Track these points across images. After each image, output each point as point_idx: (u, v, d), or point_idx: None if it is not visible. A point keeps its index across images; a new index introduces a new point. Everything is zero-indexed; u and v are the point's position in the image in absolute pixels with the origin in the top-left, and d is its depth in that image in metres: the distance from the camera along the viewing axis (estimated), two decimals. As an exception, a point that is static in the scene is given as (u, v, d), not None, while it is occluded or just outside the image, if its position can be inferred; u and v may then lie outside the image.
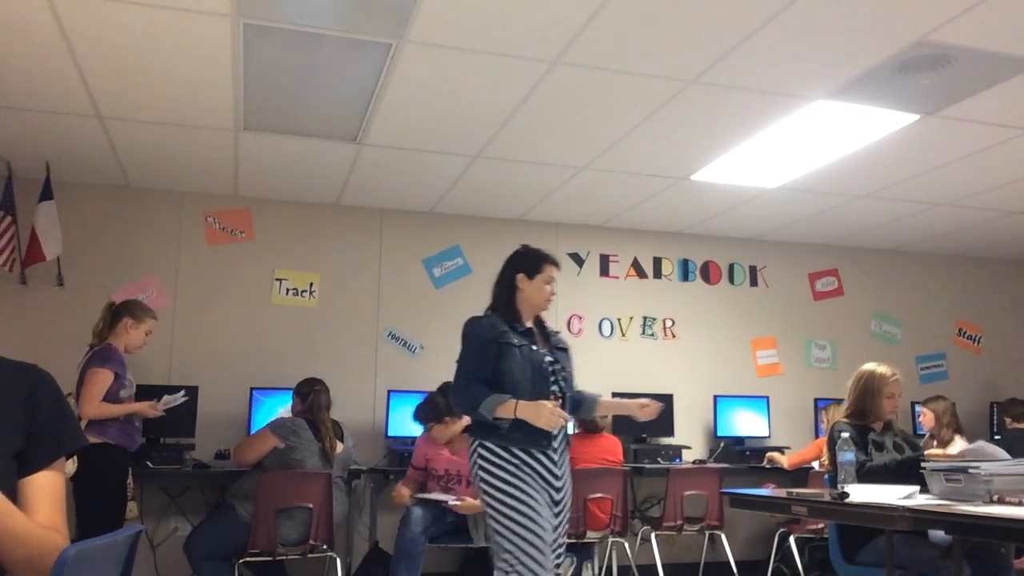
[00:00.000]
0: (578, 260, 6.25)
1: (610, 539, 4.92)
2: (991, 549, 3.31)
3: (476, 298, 5.98)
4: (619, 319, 6.25)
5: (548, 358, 3.11)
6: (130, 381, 4.16)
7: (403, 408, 5.43)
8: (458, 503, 4.33)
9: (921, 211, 5.81)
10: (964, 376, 6.95)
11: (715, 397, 6.10)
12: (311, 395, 4.54)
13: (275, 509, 4.14)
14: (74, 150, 4.69)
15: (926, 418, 5.36)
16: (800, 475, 5.44)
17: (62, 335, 4.88)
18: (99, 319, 4.26)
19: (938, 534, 3.22)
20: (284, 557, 4.27)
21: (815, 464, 5.45)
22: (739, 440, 6.01)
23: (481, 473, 2.97)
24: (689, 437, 6.01)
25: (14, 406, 1.33)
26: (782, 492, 3.10)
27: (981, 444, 4.07)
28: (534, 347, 3.11)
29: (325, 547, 4.28)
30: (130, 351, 4.25)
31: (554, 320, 6.12)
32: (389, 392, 5.50)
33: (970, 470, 2.71)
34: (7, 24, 3.25)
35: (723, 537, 5.20)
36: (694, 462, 5.74)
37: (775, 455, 5.67)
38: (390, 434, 5.42)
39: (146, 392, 4.36)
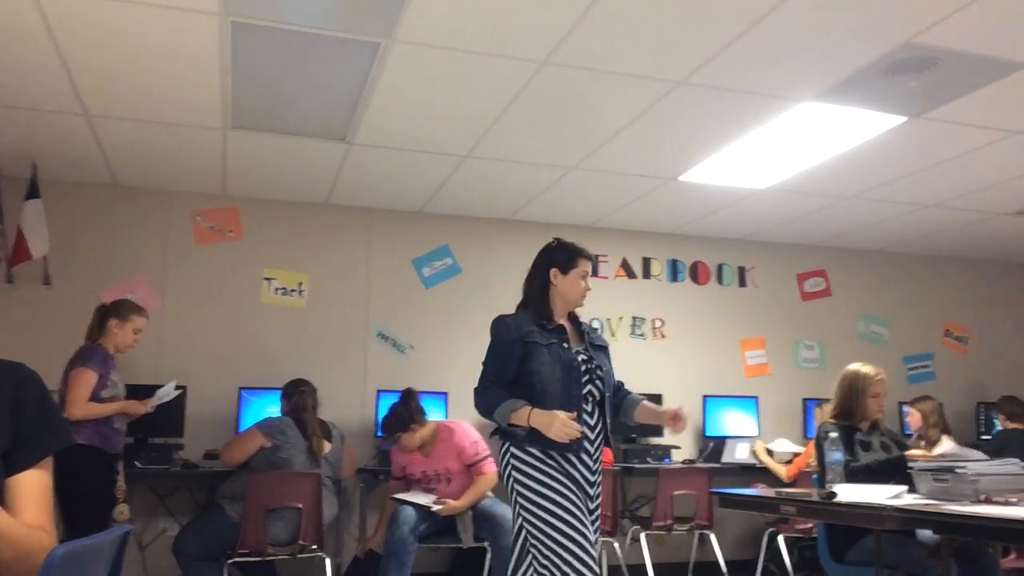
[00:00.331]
0: (568, 260, 6.24)
1: (600, 539, 4.92)
2: (979, 548, 3.34)
3: (466, 298, 6.03)
4: (608, 319, 6.26)
5: (581, 356, 2.99)
6: (113, 382, 4.09)
7: (392, 408, 5.42)
8: (440, 506, 4.33)
9: (908, 212, 5.84)
10: (951, 376, 6.99)
11: (704, 397, 6.12)
12: (296, 396, 4.55)
13: (264, 509, 4.13)
14: (61, 148, 4.66)
15: (913, 418, 5.39)
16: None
17: (48, 334, 4.85)
18: (91, 321, 4.25)
19: (926, 533, 3.24)
20: (273, 557, 4.25)
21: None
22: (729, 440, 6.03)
23: (515, 474, 2.86)
24: (678, 437, 6.03)
25: (0, 405, 1.33)
26: (771, 492, 3.12)
27: (963, 450, 4.09)
28: (565, 345, 2.98)
29: (315, 547, 4.27)
30: (121, 351, 4.23)
31: (544, 320, 6.11)
32: (379, 392, 5.49)
33: (957, 470, 2.73)
34: (-7, 21, 3.23)
35: (712, 537, 5.21)
36: (683, 462, 5.76)
37: (769, 461, 5.60)
38: (380, 434, 5.40)
39: (135, 393, 4.33)
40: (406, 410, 4.53)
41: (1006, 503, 2.50)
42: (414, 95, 3.90)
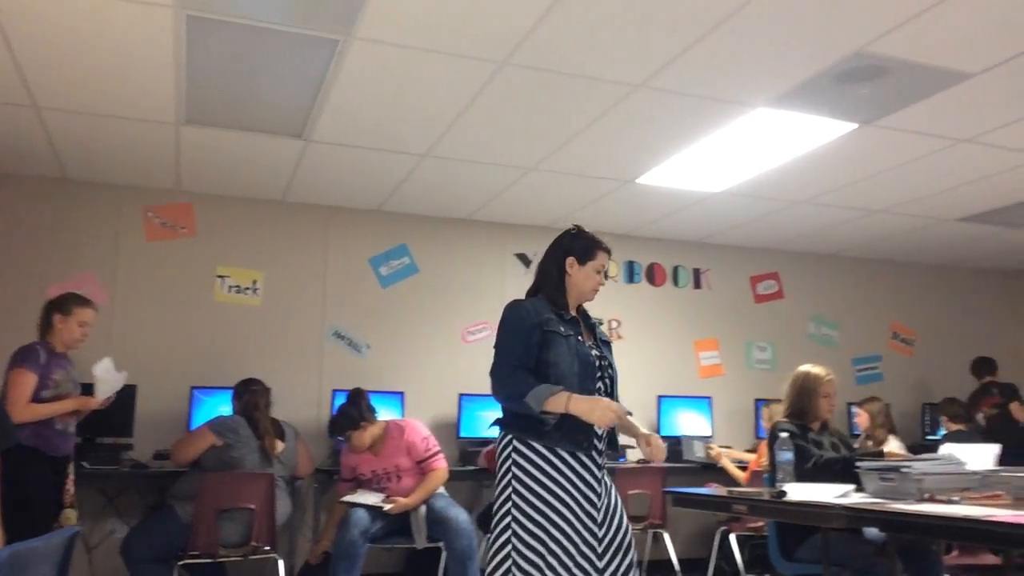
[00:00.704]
0: (525, 261, 6.27)
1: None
2: (923, 546, 3.42)
3: (423, 298, 6.01)
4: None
5: (595, 352, 2.85)
6: (55, 381, 3.87)
7: (348, 408, 5.38)
8: (391, 505, 4.31)
9: (858, 217, 5.97)
10: (898, 378, 7.16)
11: (659, 397, 6.19)
12: (247, 395, 4.50)
13: (216, 510, 4.07)
14: (8, 140, 4.54)
15: (861, 418, 5.51)
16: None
17: (-8, 332, 4.72)
18: (39, 319, 4.08)
19: (872, 531, 3.31)
20: (225, 559, 4.19)
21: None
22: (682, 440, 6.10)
23: (515, 470, 2.66)
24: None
25: None
26: (723, 491, 3.16)
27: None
28: (580, 338, 2.83)
29: (267, 549, 4.22)
30: (70, 346, 4.03)
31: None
32: (334, 392, 5.45)
33: (903, 469, 2.80)
34: (-63, 9, 3.14)
35: (666, 535, 5.27)
36: (638, 461, 5.81)
37: (728, 464, 5.66)
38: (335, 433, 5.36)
39: (86, 393, 4.21)
40: (356, 409, 4.51)
41: (949, 502, 2.57)
42: (373, 93, 3.88)
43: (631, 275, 6.53)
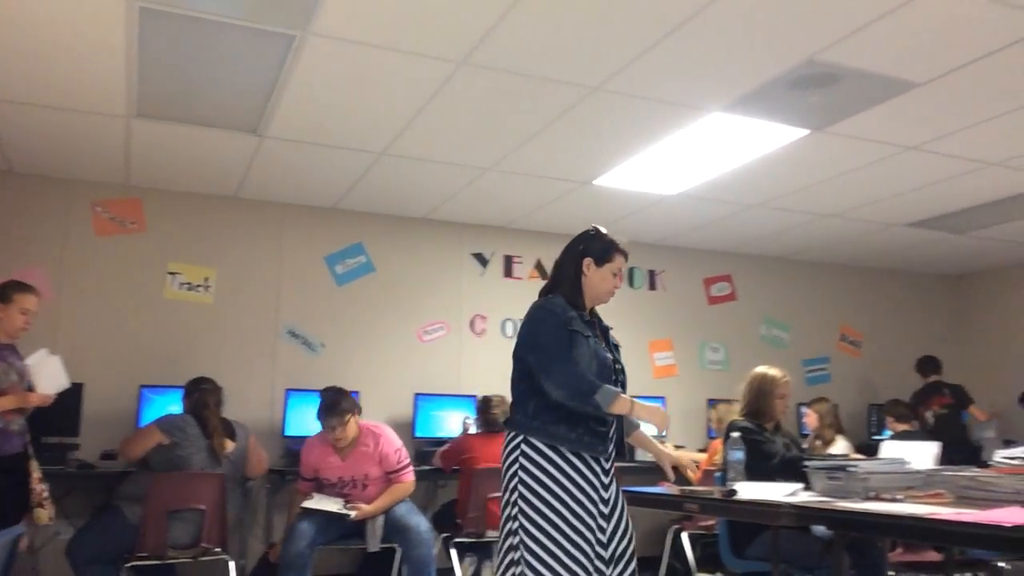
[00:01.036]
0: (482, 260, 6.27)
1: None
2: (869, 543, 3.50)
3: (379, 297, 5.97)
4: (521, 320, 6.29)
5: (610, 356, 2.82)
6: None
7: (302, 407, 5.33)
8: (355, 512, 4.26)
9: (809, 221, 6.09)
10: (845, 379, 7.32)
11: (613, 397, 6.22)
12: (196, 393, 4.42)
13: (165, 511, 4.00)
14: (-51, 131, 4.41)
15: (810, 419, 5.61)
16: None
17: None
18: None
19: (820, 529, 3.38)
20: (174, 560, 4.12)
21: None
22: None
23: (522, 475, 2.61)
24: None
25: None
26: (675, 490, 3.20)
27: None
28: (597, 339, 2.81)
29: (218, 550, 4.16)
30: (13, 336, 3.85)
31: (457, 320, 6.13)
32: (287, 391, 5.39)
33: (849, 468, 2.86)
34: None
35: (618, 534, 5.30)
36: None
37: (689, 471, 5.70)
38: (287, 433, 5.31)
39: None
40: (348, 399, 4.39)
41: (893, 500, 2.64)
42: (329, 90, 3.85)
43: (587, 276, 6.57)
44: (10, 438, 3.75)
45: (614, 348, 2.91)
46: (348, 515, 4.24)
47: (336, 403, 4.34)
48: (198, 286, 5.47)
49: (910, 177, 5.03)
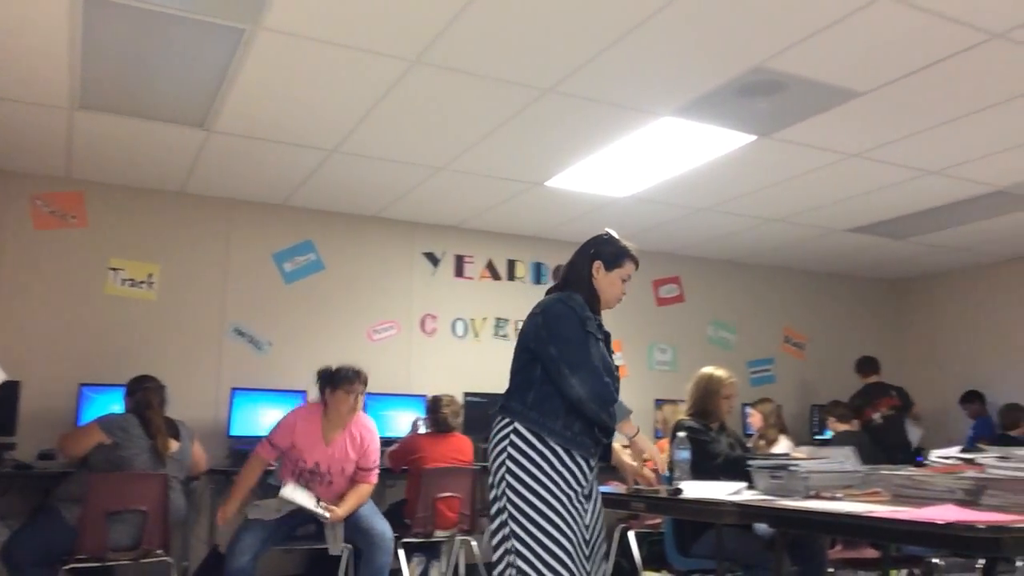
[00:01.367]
0: (433, 260, 6.26)
1: (458, 538, 4.95)
2: (809, 540, 3.59)
3: (328, 295, 5.91)
4: (472, 320, 6.31)
5: (613, 363, 2.79)
6: None
7: (248, 407, 5.26)
8: (328, 515, 4.08)
9: (755, 225, 6.20)
10: (789, 380, 7.48)
11: (563, 398, 6.26)
12: (139, 392, 4.31)
13: (105, 512, 3.90)
14: None
15: (755, 419, 5.72)
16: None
17: None
18: None
19: (763, 527, 3.45)
20: (114, 563, 4.03)
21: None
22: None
23: (509, 464, 2.55)
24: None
25: None
26: (623, 489, 3.23)
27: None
28: (604, 343, 2.79)
29: (160, 552, 4.08)
30: None
31: (407, 319, 6.10)
32: (233, 390, 5.31)
33: (791, 468, 2.93)
34: None
35: (566, 534, 5.34)
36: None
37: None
38: (233, 433, 5.23)
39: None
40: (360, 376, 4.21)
41: (833, 498, 2.70)
42: (280, 85, 3.80)
43: (538, 276, 6.61)
44: None
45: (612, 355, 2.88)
46: (325, 516, 4.07)
47: (341, 372, 4.15)
48: (141, 282, 5.35)
49: (852, 184, 5.16)
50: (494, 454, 2.62)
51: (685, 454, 3.40)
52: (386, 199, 5.64)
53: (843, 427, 5.82)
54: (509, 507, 2.53)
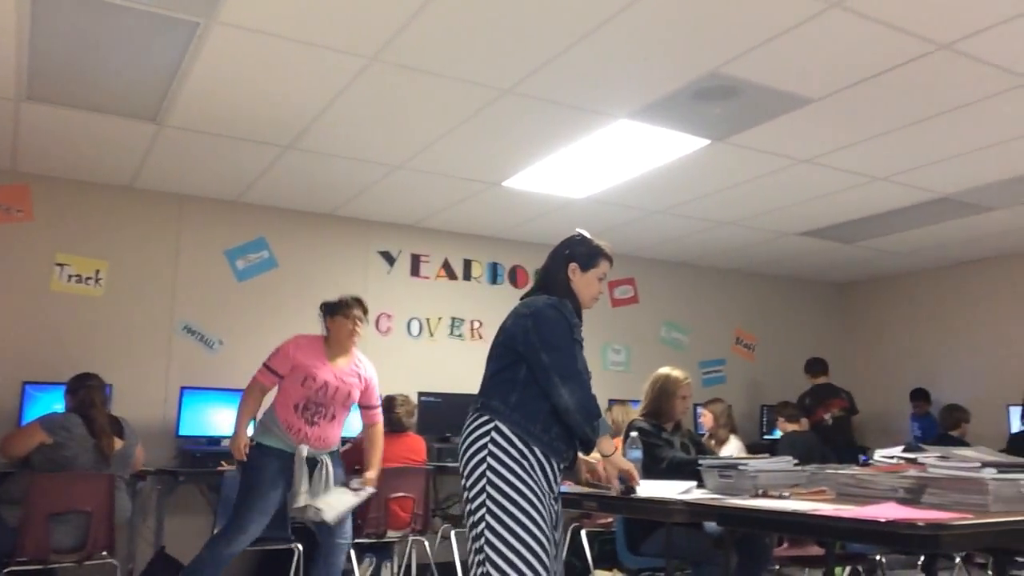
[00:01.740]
0: (389, 259, 6.22)
1: (410, 538, 4.94)
2: (756, 538, 3.65)
3: (281, 293, 5.84)
4: (428, 319, 6.29)
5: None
6: None
7: (197, 407, 5.18)
8: (372, 489, 3.99)
9: (708, 228, 6.29)
10: (739, 380, 7.60)
11: (517, 397, 6.27)
12: (82, 391, 4.21)
13: (47, 513, 3.81)
14: None
15: (706, 419, 5.80)
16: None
17: None
18: None
19: (711, 525, 3.50)
20: (57, 565, 3.94)
21: None
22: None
23: (491, 461, 2.52)
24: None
25: None
26: (574, 489, 3.25)
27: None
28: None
29: (105, 553, 3.99)
30: None
31: (362, 318, 6.05)
32: (183, 389, 5.21)
33: (740, 467, 2.98)
34: None
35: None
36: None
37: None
38: (182, 433, 5.14)
39: None
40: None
41: (780, 497, 2.75)
42: (234, 80, 3.75)
43: (495, 276, 6.61)
44: None
45: None
46: (371, 491, 4.04)
47: (361, 300, 4.08)
48: (88, 279, 5.24)
49: (803, 188, 5.26)
50: (471, 451, 2.58)
51: (637, 453, 3.43)
52: (342, 197, 5.59)
53: (792, 427, 5.93)
54: (489, 503, 2.51)
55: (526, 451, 2.55)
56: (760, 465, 2.98)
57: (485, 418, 2.61)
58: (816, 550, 3.98)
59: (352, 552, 4.63)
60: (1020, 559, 3.98)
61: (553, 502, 2.62)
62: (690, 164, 4.80)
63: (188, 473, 4.92)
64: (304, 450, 3.83)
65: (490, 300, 6.51)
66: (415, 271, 6.32)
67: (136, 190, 5.42)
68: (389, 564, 5.06)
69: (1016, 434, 5.51)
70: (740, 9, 3.09)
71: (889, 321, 7.96)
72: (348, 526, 4.12)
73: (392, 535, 4.77)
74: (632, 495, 2.90)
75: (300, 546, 4.34)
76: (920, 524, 2.05)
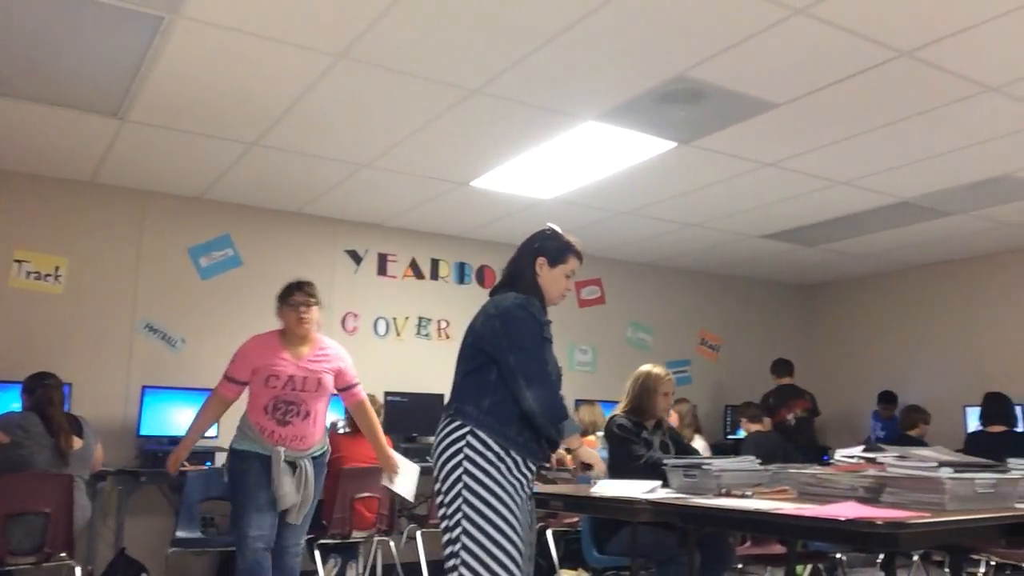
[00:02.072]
0: (356, 258, 6.19)
1: (375, 538, 4.91)
2: (719, 536, 3.69)
3: (245, 292, 5.78)
4: (395, 318, 6.26)
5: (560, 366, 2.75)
6: None
7: (159, 406, 5.11)
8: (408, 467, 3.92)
9: (674, 230, 6.34)
10: (704, 381, 7.67)
11: (484, 397, 6.27)
12: (39, 390, 4.13)
13: (4, 514, 3.73)
14: None
15: (672, 419, 5.83)
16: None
17: None
18: None
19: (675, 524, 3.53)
20: (14, 567, 3.85)
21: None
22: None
23: (468, 466, 2.49)
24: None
25: None
26: (541, 488, 3.26)
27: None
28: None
29: (64, 555, 3.92)
30: None
31: (328, 318, 6.01)
32: (144, 388, 5.14)
33: (704, 466, 3.01)
34: None
35: (485, 533, 5.35)
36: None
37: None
38: (143, 433, 5.06)
39: None
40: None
41: (743, 496, 2.79)
42: (199, 75, 3.70)
43: (462, 276, 6.61)
44: None
45: None
46: (415, 469, 3.99)
47: (307, 282, 3.79)
48: (47, 275, 5.14)
49: (767, 192, 5.33)
50: (445, 457, 2.55)
51: (602, 454, 3.45)
52: (308, 195, 5.55)
53: (755, 427, 6.00)
54: (466, 509, 2.47)
55: (503, 454, 2.52)
56: (724, 465, 3.01)
57: (458, 423, 2.57)
58: (778, 548, 4.03)
59: (317, 552, 4.61)
60: (975, 556, 4.07)
61: (527, 502, 2.61)
62: (657, 166, 4.84)
63: (149, 473, 4.85)
64: (281, 452, 3.62)
65: (457, 300, 6.50)
66: (382, 270, 6.30)
67: (98, 185, 5.33)
68: (354, 565, 5.04)
69: (973, 434, 5.62)
70: (706, 14, 3.12)
71: (850, 323, 8.10)
72: (299, 532, 3.78)
73: (357, 535, 4.74)
74: (590, 471, 2.86)
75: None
76: (879, 523, 2.09)
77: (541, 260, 2.82)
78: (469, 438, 2.53)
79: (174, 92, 3.88)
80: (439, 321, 6.42)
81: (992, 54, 3.41)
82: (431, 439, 6.05)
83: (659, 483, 3.17)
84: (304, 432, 3.72)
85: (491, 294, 2.85)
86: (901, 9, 3.08)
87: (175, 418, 5.12)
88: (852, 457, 2.99)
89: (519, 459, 2.55)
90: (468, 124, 4.24)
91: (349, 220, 6.14)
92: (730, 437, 7.23)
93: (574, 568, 5.40)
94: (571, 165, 4.84)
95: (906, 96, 3.84)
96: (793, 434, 6.50)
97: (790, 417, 6.77)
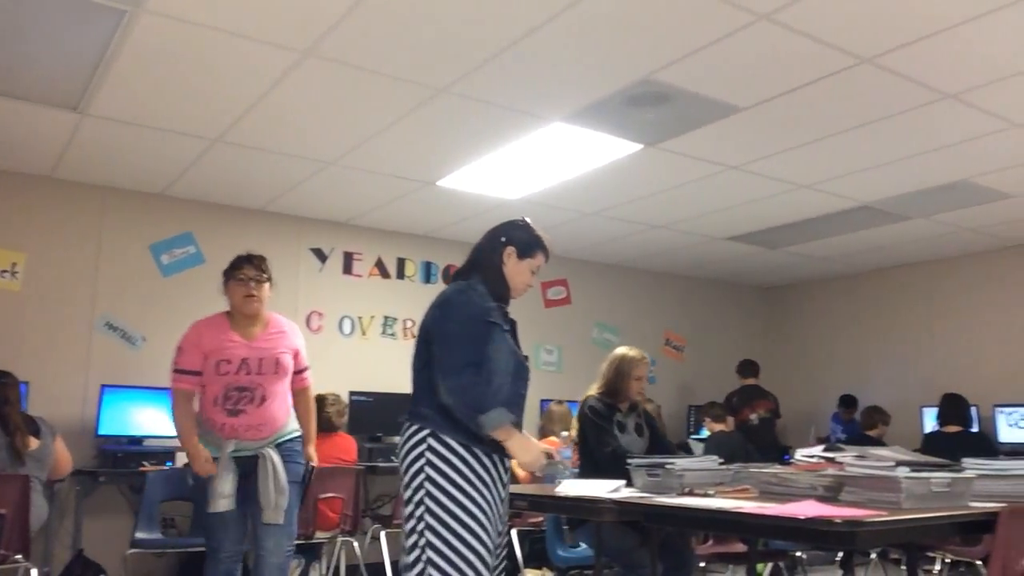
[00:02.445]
0: (321, 256, 6.14)
1: (339, 539, 4.88)
2: (680, 536, 3.72)
3: (208, 289, 5.64)
4: (360, 318, 6.23)
5: (525, 355, 2.65)
6: None
7: (118, 405, 5.03)
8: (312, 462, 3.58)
9: (640, 231, 6.39)
10: (668, 381, 7.73)
11: (449, 397, 6.26)
12: None
13: (-45, 517, 3.64)
14: None
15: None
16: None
17: None
18: None
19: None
20: (-36, 571, 3.77)
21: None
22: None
23: (429, 471, 2.40)
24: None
25: None
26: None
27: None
28: (515, 337, 2.62)
29: (19, 557, 3.84)
30: None
31: (293, 316, 5.95)
32: (103, 387, 5.05)
33: (667, 466, 3.03)
34: None
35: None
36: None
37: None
38: (102, 432, 4.98)
39: None
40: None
41: (705, 495, 2.82)
42: (162, 70, 3.65)
43: (428, 275, 6.59)
44: None
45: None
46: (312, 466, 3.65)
47: (256, 255, 3.58)
48: (4, 272, 5.03)
49: (731, 194, 5.39)
50: (408, 461, 2.46)
51: (567, 452, 3.46)
52: (272, 192, 5.49)
53: (718, 427, 6.06)
54: (428, 517, 2.39)
55: (467, 456, 2.42)
56: (686, 464, 3.04)
57: (416, 427, 2.48)
58: (739, 547, 4.07)
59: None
60: (931, 554, 4.15)
61: (500, 504, 2.51)
62: (623, 168, 4.87)
63: (108, 473, 4.77)
64: (230, 446, 3.37)
65: (423, 299, 6.38)
66: (347, 269, 6.26)
67: (57, 180, 5.23)
68: (317, 565, 5.00)
69: (930, 434, 5.73)
70: (673, 18, 3.15)
71: (811, 324, 8.22)
72: (282, 534, 3.50)
73: (321, 536, 4.71)
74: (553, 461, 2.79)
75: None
76: (837, 521, 2.12)
77: (510, 250, 2.74)
78: (430, 440, 2.44)
79: (135, 87, 3.82)
80: (404, 320, 6.40)
81: (950, 62, 3.49)
82: (396, 439, 6.04)
83: (623, 483, 3.19)
84: (260, 420, 3.44)
85: (452, 280, 2.76)
86: (863, 17, 3.14)
87: (134, 417, 5.04)
88: (812, 457, 3.04)
89: (486, 458, 2.45)
90: (435, 123, 4.23)
91: (314, 218, 6.09)
92: (693, 437, 7.29)
93: (538, 567, 5.42)
94: (538, 166, 4.86)
95: (867, 102, 3.91)
96: (755, 434, 6.58)
97: (753, 417, 6.84)
